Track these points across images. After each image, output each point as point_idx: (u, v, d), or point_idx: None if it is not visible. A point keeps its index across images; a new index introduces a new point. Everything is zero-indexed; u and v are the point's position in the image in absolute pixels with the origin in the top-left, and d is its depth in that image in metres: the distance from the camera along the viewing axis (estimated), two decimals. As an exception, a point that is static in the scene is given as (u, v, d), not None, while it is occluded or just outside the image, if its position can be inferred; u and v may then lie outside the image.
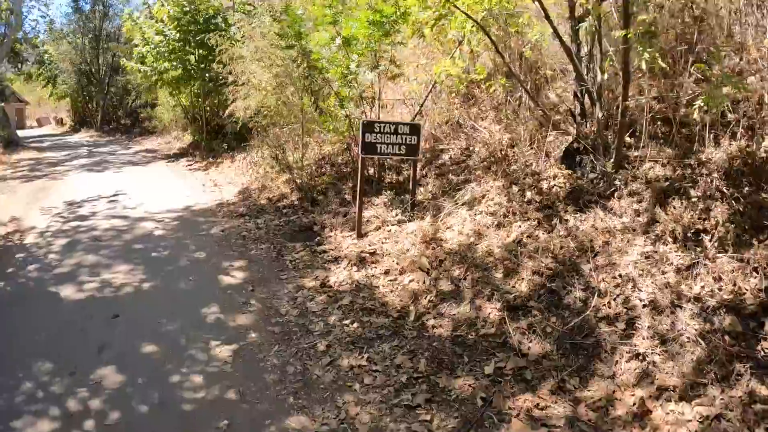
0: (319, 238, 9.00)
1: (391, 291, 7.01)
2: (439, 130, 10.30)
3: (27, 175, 17.57)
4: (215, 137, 19.16)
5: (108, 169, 18.77)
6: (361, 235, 8.52)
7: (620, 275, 5.89)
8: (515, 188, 7.88)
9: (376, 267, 7.62)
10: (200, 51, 18.07)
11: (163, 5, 18.06)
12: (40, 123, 57.87)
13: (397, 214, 8.82)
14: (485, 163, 8.84)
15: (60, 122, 51.89)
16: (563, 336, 5.50)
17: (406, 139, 8.47)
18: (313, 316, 6.50)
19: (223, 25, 17.46)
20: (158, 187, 14.34)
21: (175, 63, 18.10)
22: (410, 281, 7.05)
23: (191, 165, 18.39)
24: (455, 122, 10.28)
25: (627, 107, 6.83)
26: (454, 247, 7.43)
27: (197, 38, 17.60)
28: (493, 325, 5.96)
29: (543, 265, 6.49)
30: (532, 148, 8.45)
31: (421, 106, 10.22)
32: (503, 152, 8.72)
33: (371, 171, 10.33)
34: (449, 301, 6.54)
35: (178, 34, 17.94)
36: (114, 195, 13.28)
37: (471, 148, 9.47)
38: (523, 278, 6.46)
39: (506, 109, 9.48)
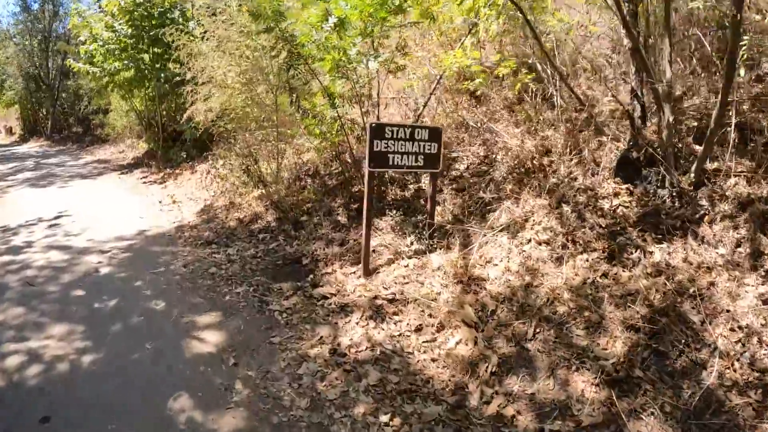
0: (312, 276, 6.71)
1: (433, 360, 4.89)
2: (446, 134, 8.15)
3: None
4: (173, 145, 16.73)
5: (54, 183, 16.15)
6: (369, 273, 6.34)
7: (740, 327, 4.46)
8: (566, 208, 6.03)
9: (400, 321, 5.45)
10: (155, 49, 15.71)
11: (113, -5, 15.63)
12: None
13: (412, 243, 6.70)
14: (514, 174, 6.88)
15: (9, 131, 49.14)
16: (685, 415, 4.03)
17: (424, 147, 6.37)
18: (331, 407, 4.27)
19: (180, 19, 15.16)
20: (108, 206, 11.89)
21: (127, 62, 15.57)
22: (457, 343, 4.96)
23: (146, 177, 15.81)
24: (462, 124, 8.27)
25: (726, 109, 5.40)
26: (503, 290, 5.48)
27: (151, 34, 15.23)
28: (594, 408, 4.21)
29: (638, 315, 4.80)
30: (578, 157, 6.58)
31: (425, 105, 8.18)
32: (536, 161, 6.81)
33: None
34: (519, 372, 4.65)
35: (130, 30, 15.46)
36: (56, 217, 10.85)
37: (493, 156, 7.48)
38: (615, 336, 4.73)
39: (529, 109, 7.58)
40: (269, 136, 8.95)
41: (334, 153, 8.86)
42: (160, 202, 11.87)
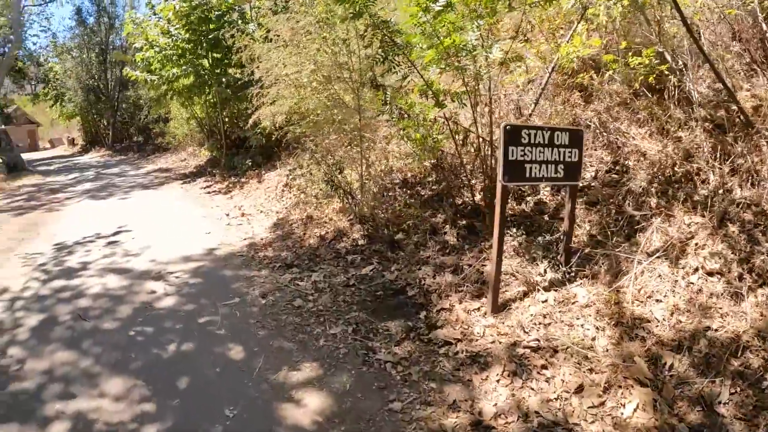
0: (425, 312, 5.29)
1: (609, 435, 3.54)
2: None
3: (21, 206, 14.39)
4: (236, 152, 15.69)
5: (114, 195, 15.33)
6: (498, 309, 4.99)
7: None
8: (733, 228, 4.68)
9: (552, 377, 4.07)
10: (214, 54, 14.74)
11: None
12: (52, 144, 57.53)
13: (545, 270, 5.33)
14: (656, 185, 5.55)
15: (72, 142, 49.98)
16: None
17: (564, 154, 5.00)
18: None
19: (239, 22, 14.09)
20: (171, 220, 10.80)
21: (185, 68, 14.60)
22: (634, 410, 3.63)
23: (210, 186, 14.66)
24: (575, 124, 6.93)
25: None
26: (675, 336, 4.11)
27: (210, 37, 14.22)
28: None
29: None
30: (730, 163, 5.39)
31: (537, 102, 6.89)
32: (678, 168, 5.51)
33: (476, 196, 6.88)
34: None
35: (187, 34, 14.50)
36: (115, 233, 9.84)
37: (624, 162, 6.16)
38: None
39: (653, 106, 6.30)
40: (352, 140, 7.76)
41: (435, 160, 7.50)
42: (227, 214, 10.67)
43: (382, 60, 6.64)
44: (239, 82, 13.75)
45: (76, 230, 10.26)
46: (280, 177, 11.69)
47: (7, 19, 25.26)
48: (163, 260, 7.77)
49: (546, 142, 4.83)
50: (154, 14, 16.13)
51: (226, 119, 16.23)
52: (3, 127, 25.12)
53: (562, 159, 4.96)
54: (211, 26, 14.34)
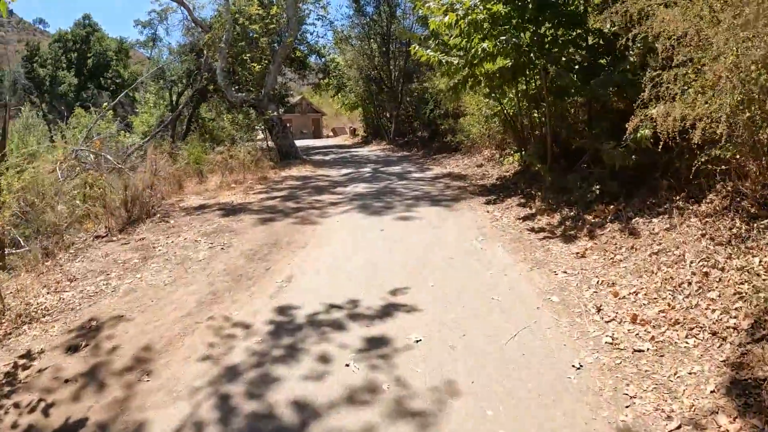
0: None
1: None
2: None
3: (274, 208, 11.99)
4: (568, 168, 10.12)
5: (392, 208, 11.30)
6: None
7: None
8: None
9: None
10: (542, 26, 9.75)
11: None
12: (335, 133, 59.91)
13: None
14: None
15: (353, 133, 50.30)
16: None
17: None
18: None
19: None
20: (486, 294, 5.95)
21: (504, 39, 9.38)
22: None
23: (532, 219, 9.15)
24: None
25: None
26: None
27: (540, -3, 9.15)
28: None
29: None
30: None
31: None
32: None
33: None
34: None
35: (502, -8, 9.52)
36: (385, 310, 5.61)
37: None
38: None
39: None
40: None
41: None
42: (598, 309, 5.30)
43: None
44: (577, 66, 9.37)
45: (323, 279, 6.60)
46: (685, 238, 5.94)
47: (282, 8, 22.61)
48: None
49: None
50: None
51: (553, 119, 10.86)
52: (277, 114, 23.38)
53: None
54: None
